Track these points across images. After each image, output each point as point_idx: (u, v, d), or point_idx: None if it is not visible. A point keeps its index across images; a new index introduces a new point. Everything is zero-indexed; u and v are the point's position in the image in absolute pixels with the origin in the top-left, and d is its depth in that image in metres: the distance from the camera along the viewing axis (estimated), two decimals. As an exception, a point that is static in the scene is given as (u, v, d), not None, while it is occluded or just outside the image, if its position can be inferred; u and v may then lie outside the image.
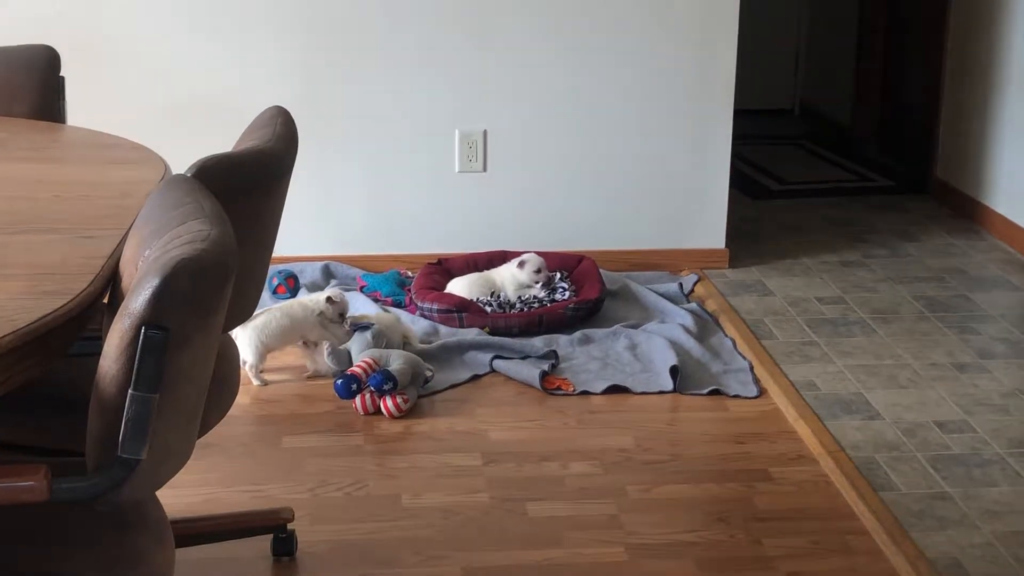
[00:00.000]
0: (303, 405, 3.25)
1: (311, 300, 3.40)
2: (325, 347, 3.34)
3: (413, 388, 3.22)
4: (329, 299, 3.38)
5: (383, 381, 3.14)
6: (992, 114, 4.68)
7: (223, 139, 2.31)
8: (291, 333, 3.35)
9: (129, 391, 1.46)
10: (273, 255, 3.94)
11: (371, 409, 3.16)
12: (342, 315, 3.38)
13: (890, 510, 2.69)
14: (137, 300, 1.45)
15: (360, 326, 3.38)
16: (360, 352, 3.31)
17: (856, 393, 3.29)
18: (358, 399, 3.17)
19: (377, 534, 2.63)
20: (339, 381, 3.21)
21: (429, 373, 3.28)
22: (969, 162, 4.85)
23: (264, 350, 3.33)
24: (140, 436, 1.48)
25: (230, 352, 2.29)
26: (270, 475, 2.88)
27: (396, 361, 3.21)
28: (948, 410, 3.20)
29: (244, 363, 3.33)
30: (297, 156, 2.26)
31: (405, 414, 3.16)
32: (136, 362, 1.45)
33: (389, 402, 3.15)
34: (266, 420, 3.18)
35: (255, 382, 3.34)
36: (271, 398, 3.29)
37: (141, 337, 1.44)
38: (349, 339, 3.38)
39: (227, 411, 2.22)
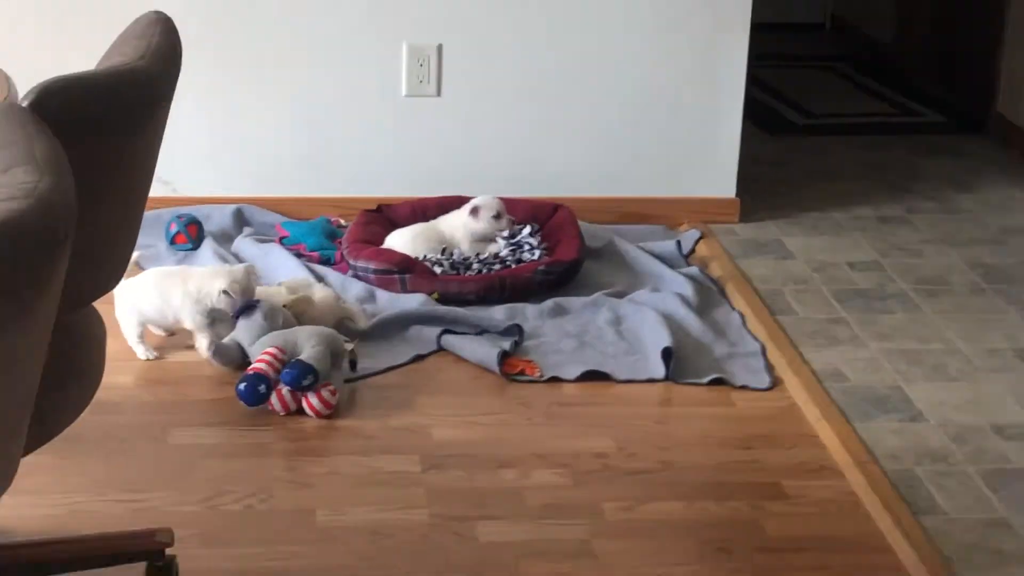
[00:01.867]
0: (200, 388, 3.15)
1: (204, 288, 3.15)
2: (204, 342, 3.16)
3: (336, 372, 3.08)
4: (224, 292, 3.12)
5: (300, 376, 2.96)
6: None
7: (92, 54, 2.15)
8: (167, 315, 3.21)
9: (-84, 403, 1.30)
10: (175, 196, 3.88)
11: (293, 407, 3.00)
12: (240, 312, 3.14)
13: (934, 541, 2.61)
14: (-72, 279, 1.29)
15: (244, 308, 3.14)
16: (254, 340, 3.10)
17: (894, 387, 3.23)
18: (274, 397, 2.99)
19: (283, 561, 2.53)
20: (242, 385, 2.99)
21: (349, 346, 3.12)
22: (1039, 96, 4.78)
23: (138, 323, 3.23)
24: (-70, 464, 1.32)
25: (91, 331, 2.16)
26: (152, 480, 2.79)
27: (308, 344, 3.03)
28: (1009, 411, 3.14)
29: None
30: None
31: (335, 408, 3.01)
32: (-76, 364, 1.29)
33: (314, 399, 2.98)
34: (151, 407, 3.09)
35: (140, 355, 3.23)
36: (160, 378, 3.19)
37: (-70, 330, 1.28)
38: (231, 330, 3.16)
39: (85, 407, 2.12)
